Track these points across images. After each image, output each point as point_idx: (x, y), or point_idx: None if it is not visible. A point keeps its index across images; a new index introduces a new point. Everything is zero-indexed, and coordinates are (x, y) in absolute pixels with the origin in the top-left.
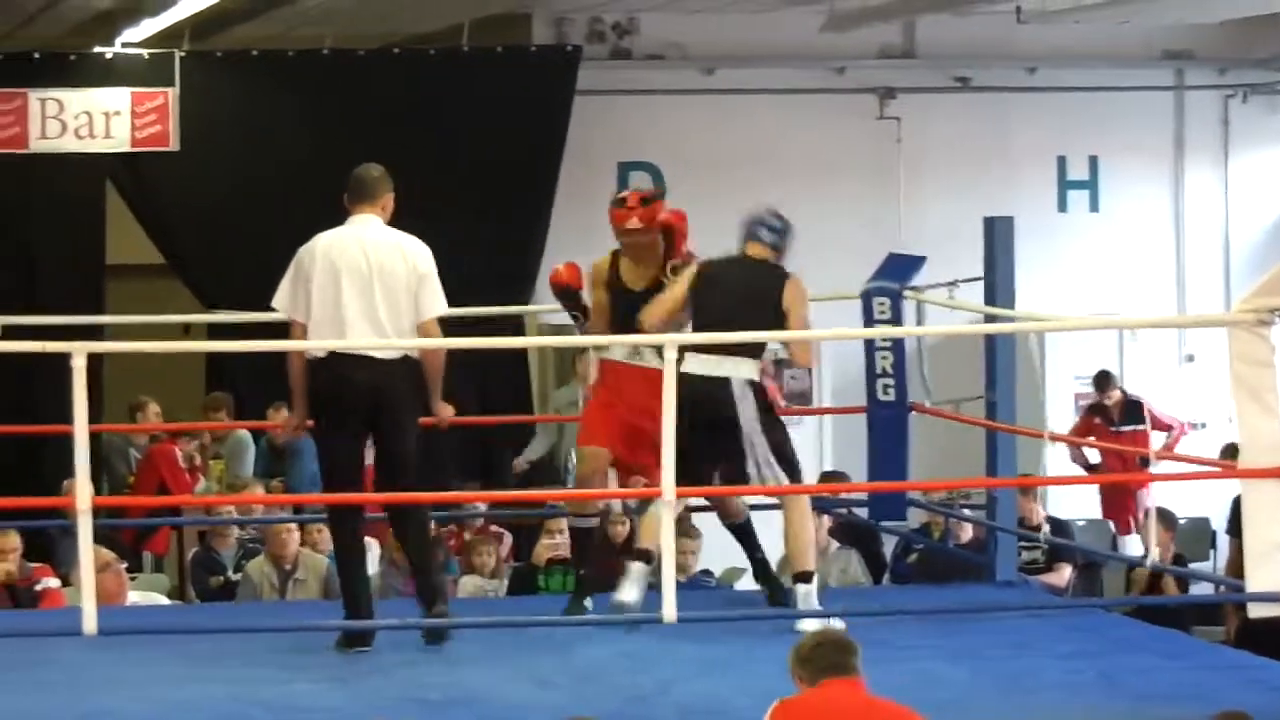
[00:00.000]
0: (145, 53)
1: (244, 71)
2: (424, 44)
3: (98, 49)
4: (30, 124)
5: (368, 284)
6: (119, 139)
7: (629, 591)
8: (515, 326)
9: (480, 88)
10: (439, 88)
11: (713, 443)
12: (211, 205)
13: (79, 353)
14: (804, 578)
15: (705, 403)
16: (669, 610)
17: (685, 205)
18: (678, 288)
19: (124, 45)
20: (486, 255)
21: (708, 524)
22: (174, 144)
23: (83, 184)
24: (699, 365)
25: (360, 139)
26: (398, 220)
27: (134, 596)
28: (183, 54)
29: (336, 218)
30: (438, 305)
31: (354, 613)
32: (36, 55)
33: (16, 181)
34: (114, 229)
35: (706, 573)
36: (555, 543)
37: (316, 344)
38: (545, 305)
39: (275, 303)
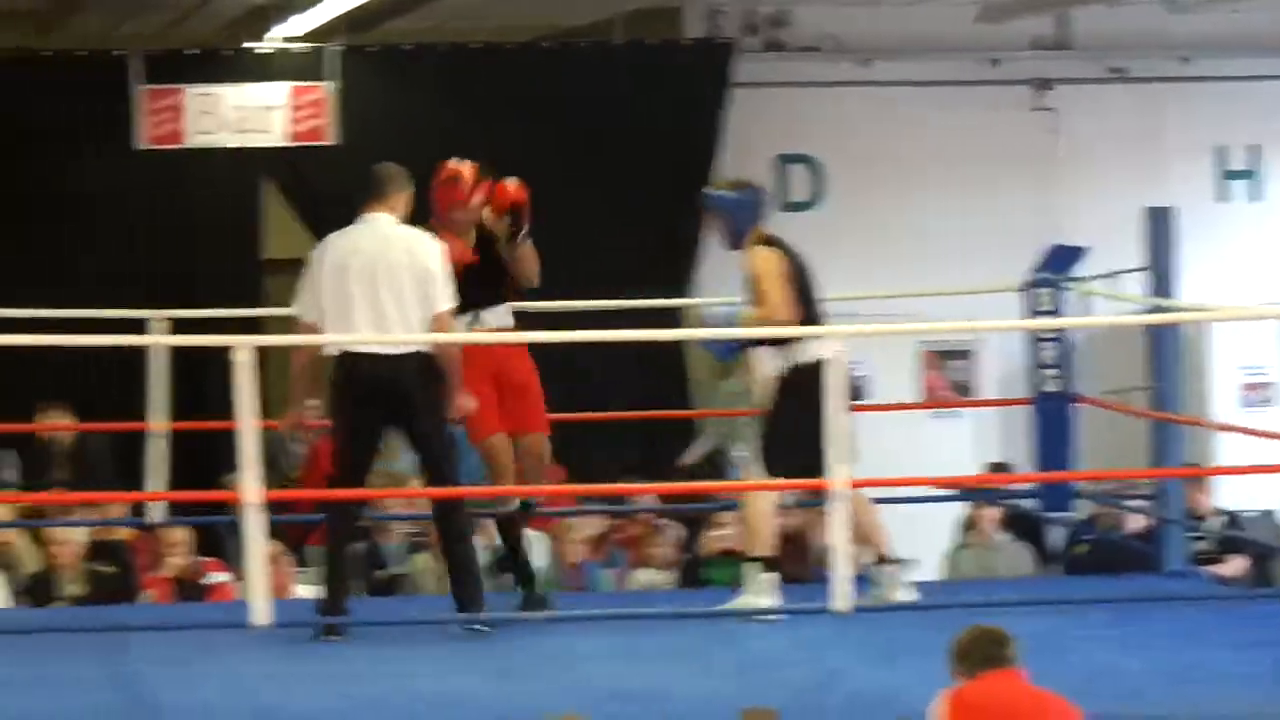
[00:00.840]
0: (302, 48)
1: (399, 66)
2: (575, 38)
3: (253, 45)
4: (187, 120)
5: (373, 281)
6: (276, 134)
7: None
8: (674, 320)
9: (634, 82)
10: (592, 82)
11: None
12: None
13: (243, 347)
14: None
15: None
16: (840, 600)
17: (845, 197)
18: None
19: (281, 40)
20: (643, 251)
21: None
22: (331, 138)
23: (239, 179)
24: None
25: (513, 134)
26: (552, 213)
27: (300, 591)
28: (339, 49)
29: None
30: (446, 298)
31: (331, 605)
32: (192, 52)
33: (173, 178)
34: (271, 224)
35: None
36: (722, 534)
37: (374, 338)
38: (704, 299)
39: (293, 309)
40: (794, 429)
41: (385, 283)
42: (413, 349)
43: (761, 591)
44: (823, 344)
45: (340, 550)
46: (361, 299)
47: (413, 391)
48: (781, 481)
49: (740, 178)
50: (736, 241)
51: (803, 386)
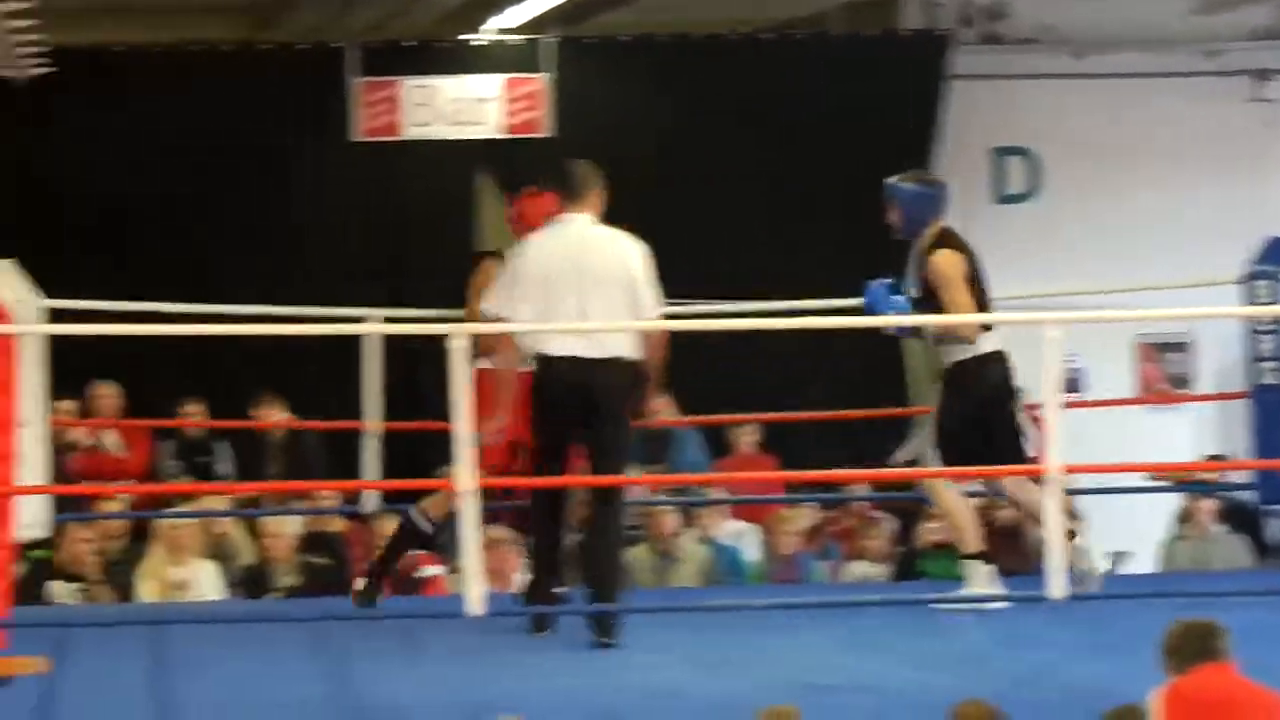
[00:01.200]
0: (517, 39)
1: (615, 58)
2: (790, 30)
3: (469, 36)
4: (403, 111)
5: (579, 286)
6: (492, 125)
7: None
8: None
9: (849, 74)
10: (807, 74)
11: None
12: None
13: (459, 335)
14: None
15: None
16: (1056, 588)
17: (1061, 190)
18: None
19: (496, 32)
20: (857, 246)
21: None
22: (547, 130)
23: (455, 171)
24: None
25: (728, 127)
26: (765, 207)
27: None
28: (555, 40)
29: (702, 204)
30: (655, 302)
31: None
32: (410, 44)
33: (389, 169)
34: (486, 215)
35: None
36: (936, 527)
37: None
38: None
39: (489, 309)
40: (961, 425)
41: (591, 288)
42: (615, 354)
43: (983, 585)
44: (993, 338)
45: (542, 544)
46: (566, 304)
47: (610, 399)
48: (1005, 468)
49: (924, 173)
50: (912, 233)
51: (970, 382)
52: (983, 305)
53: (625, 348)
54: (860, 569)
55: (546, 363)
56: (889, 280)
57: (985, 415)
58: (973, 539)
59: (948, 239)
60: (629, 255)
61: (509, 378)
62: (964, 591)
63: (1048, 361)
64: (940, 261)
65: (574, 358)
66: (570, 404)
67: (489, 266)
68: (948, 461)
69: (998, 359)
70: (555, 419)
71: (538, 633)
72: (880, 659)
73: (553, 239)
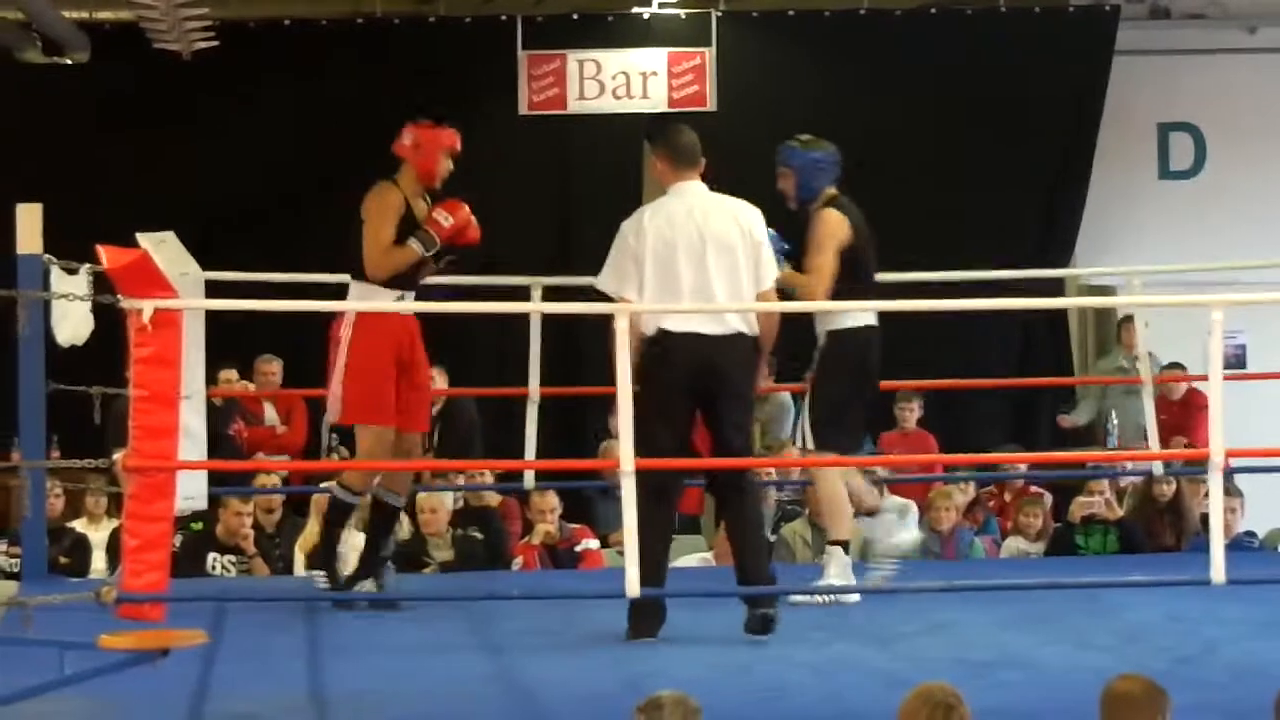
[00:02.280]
0: (682, 13)
1: (779, 32)
2: (959, 4)
3: (635, 9)
4: (569, 85)
5: (702, 256)
6: (656, 99)
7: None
8: (1054, 290)
9: (1017, 49)
10: (975, 49)
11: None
12: (747, 165)
13: (621, 313)
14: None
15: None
16: (1217, 572)
17: (1225, 166)
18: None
19: (660, 6)
20: (1024, 219)
21: (1251, 483)
22: (711, 104)
23: (620, 144)
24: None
25: (891, 102)
26: (928, 181)
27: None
28: (719, 14)
29: (865, 179)
30: (774, 272)
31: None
32: (575, 16)
33: (555, 142)
34: (651, 189)
35: (1249, 534)
36: (1091, 500)
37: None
38: (1086, 269)
39: (600, 283)
40: (836, 399)
41: (715, 257)
42: (737, 330)
43: (841, 573)
44: (868, 313)
45: (652, 525)
46: (688, 275)
47: (732, 377)
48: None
49: (816, 138)
50: (803, 201)
51: (842, 355)
52: (859, 278)
53: (747, 323)
54: (1018, 545)
55: (669, 340)
56: (777, 233)
57: (857, 388)
58: (844, 527)
59: (838, 204)
60: (753, 220)
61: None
62: (821, 582)
63: (1213, 344)
64: (823, 219)
65: (698, 334)
66: (693, 382)
67: None
68: (829, 435)
69: (869, 332)
70: (676, 396)
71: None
72: (1039, 636)
73: (674, 208)
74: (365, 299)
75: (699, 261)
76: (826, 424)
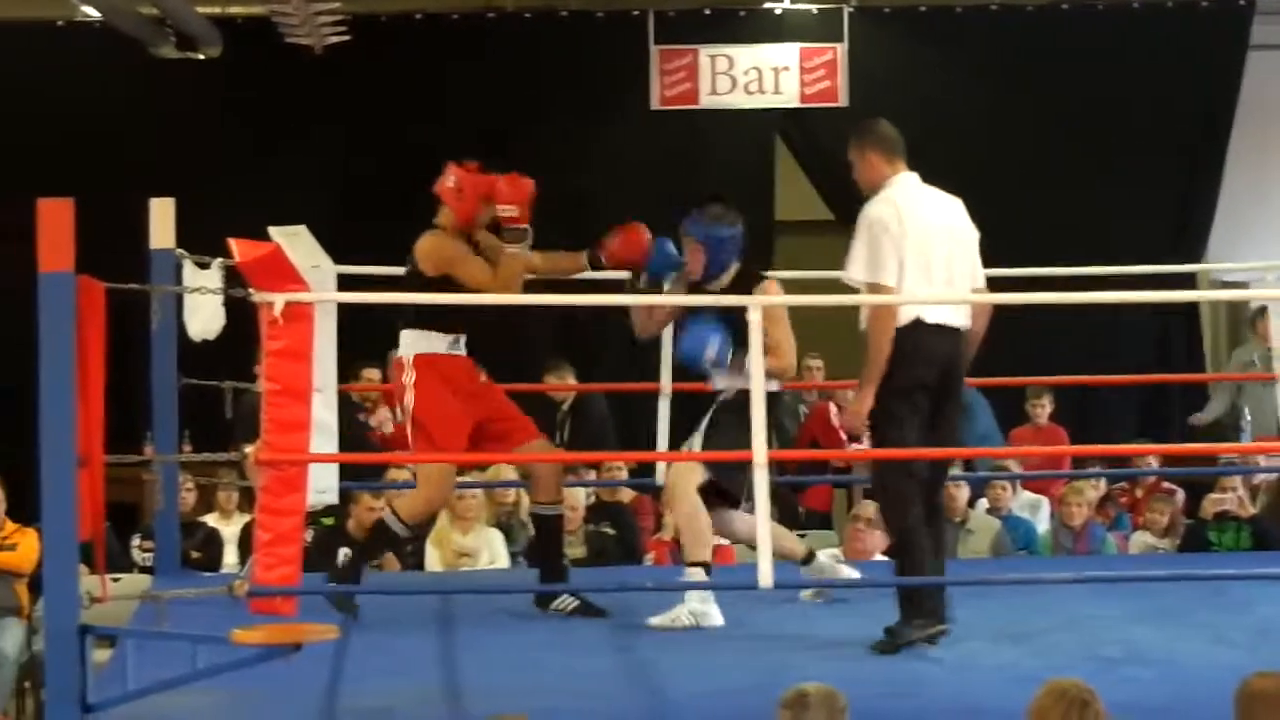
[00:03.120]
0: (814, 8)
1: (911, 27)
2: (1092, 0)
3: (767, 5)
4: (700, 80)
5: (950, 248)
6: (787, 95)
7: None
8: (1187, 286)
9: (1150, 44)
10: (1107, 43)
11: None
12: None
13: (755, 307)
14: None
15: None
16: None
17: None
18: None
19: (793, 1)
20: (1157, 215)
21: None
22: (843, 100)
23: (751, 140)
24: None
25: (1024, 96)
26: (1061, 178)
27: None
28: (851, 10)
29: (997, 175)
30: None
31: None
32: (707, 11)
33: (687, 137)
34: (781, 185)
35: None
36: (1223, 497)
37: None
38: (1218, 263)
39: (851, 274)
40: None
41: (957, 249)
42: (969, 327)
43: (700, 595)
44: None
45: (921, 547)
46: (941, 265)
47: (962, 372)
48: None
49: (726, 209)
50: (712, 276)
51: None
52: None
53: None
54: (1146, 540)
55: (923, 332)
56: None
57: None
58: (702, 549)
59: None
60: (968, 216)
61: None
62: (682, 605)
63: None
64: (771, 293)
65: (945, 326)
66: (937, 377)
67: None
68: (730, 470)
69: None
70: (922, 391)
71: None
72: (1171, 631)
73: (924, 197)
74: (419, 346)
75: (948, 252)
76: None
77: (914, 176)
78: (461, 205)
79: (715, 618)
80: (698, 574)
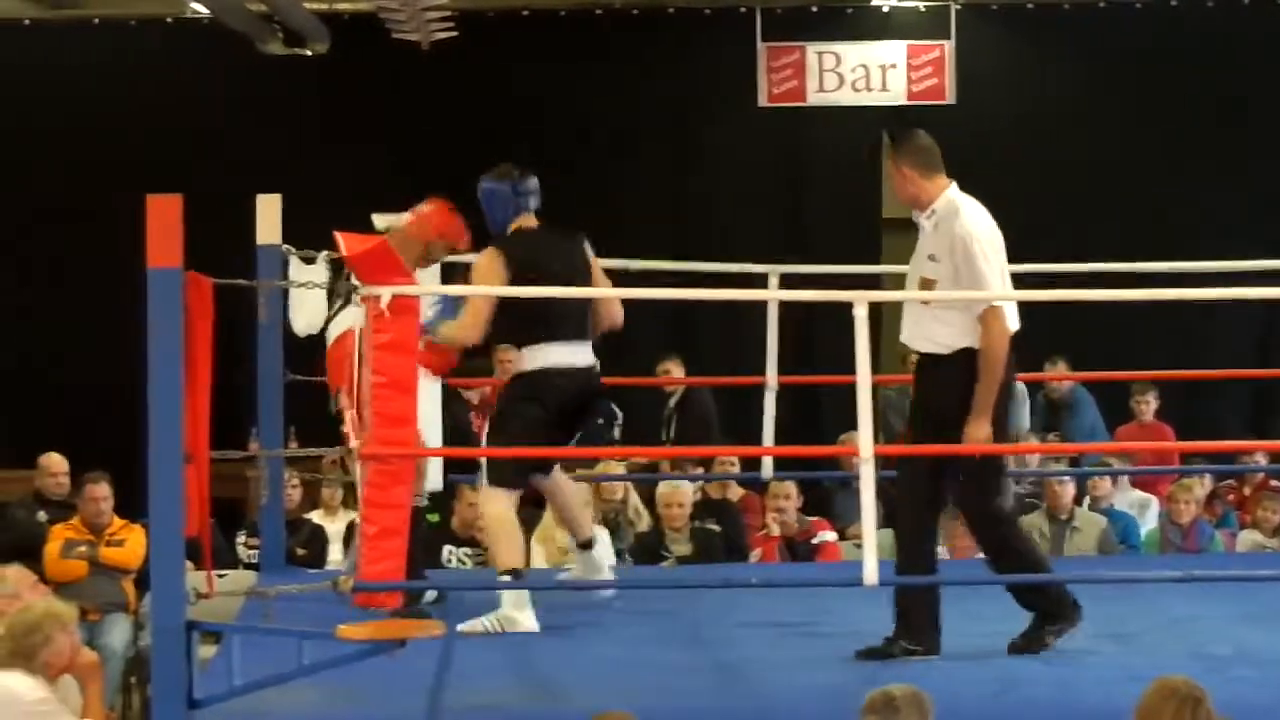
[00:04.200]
0: (921, 6)
1: (1019, 24)
2: None
3: (874, 2)
4: (808, 78)
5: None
6: (895, 92)
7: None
8: None
9: (1259, 41)
10: (1218, 40)
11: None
12: (985, 158)
13: (860, 302)
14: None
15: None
16: None
17: None
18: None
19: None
20: (1255, 211)
21: None
22: (950, 97)
23: (859, 137)
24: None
25: (1130, 92)
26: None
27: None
28: (958, 7)
29: (1103, 170)
30: None
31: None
32: (814, 9)
33: (794, 134)
34: (888, 183)
35: None
36: None
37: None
38: None
39: (992, 293)
40: (511, 438)
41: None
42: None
43: (515, 600)
44: (551, 354)
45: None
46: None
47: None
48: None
49: (508, 166)
50: (501, 230)
51: (519, 398)
52: (548, 318)
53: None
54: (1253, 538)
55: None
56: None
57: (532, 429)
58: (512, 554)
59: (512, 240)
60: None
61: None
62: (499, 611)
63: None
64: (478, 262)
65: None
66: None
67: None
68: (502, 471)
69: (557, 376)
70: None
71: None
72: (1278, 632)
73: (978, 206)
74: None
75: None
76: (501, 461)
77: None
78: (419, 231)
79: (527, 624)
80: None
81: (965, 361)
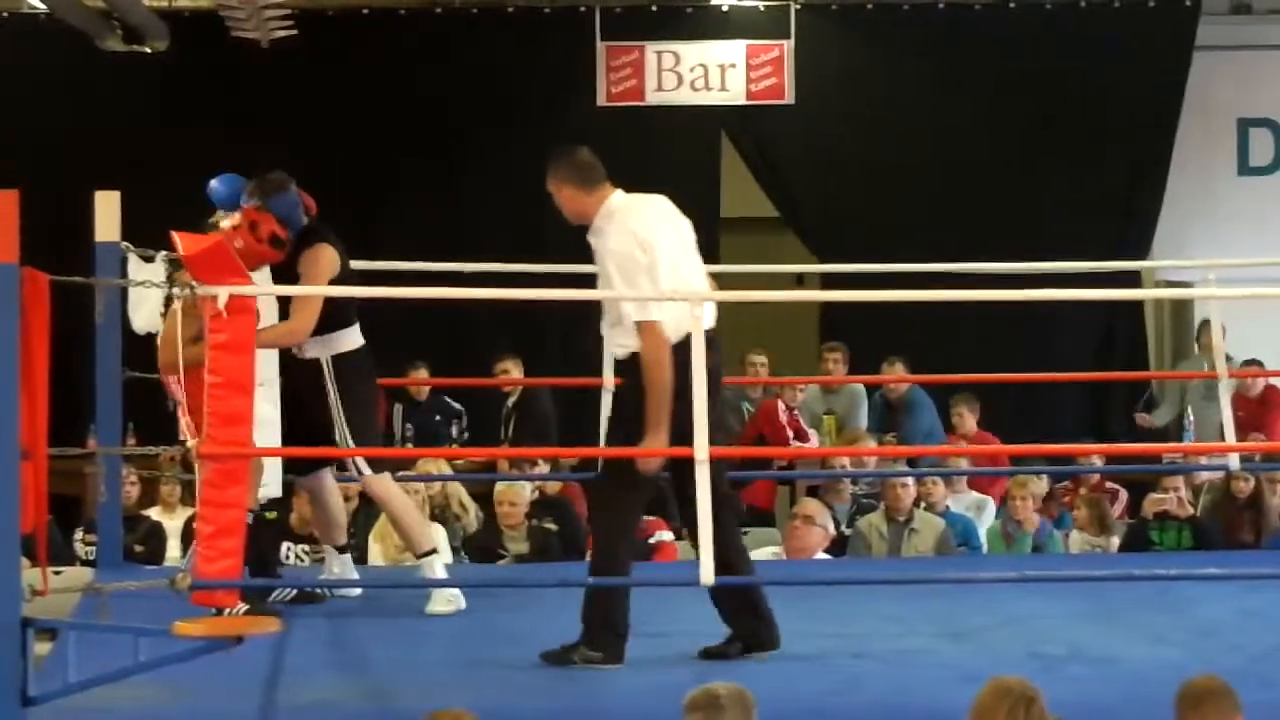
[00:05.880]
0: (761, 5)
1: (858, 25)
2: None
3: (714, 1)
4: (647, 77)
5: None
6: (734, 92)
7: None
8: (1131, 285)
9: (1097, 43)
10: (1054, 43)
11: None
12: (825, 158)
13: (697, 301)
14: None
15: None
16: None
17: None
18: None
19: None
20: (1101, 212)
21: None
22: (789, 97)
23: (698, 137)
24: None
25: (971, 94)
26: (1007, 176)
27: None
28: (798, 7)
29: (941, 171)
30: None
31: None
32: (654, 8)
33: (633, 134)
34: (726, 182)
35: None
36: (1164, 498)
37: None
38: (1162, 261)
39: (628, 309)
40: (364, 421)
41: (696, 259)
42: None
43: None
44: (353, 336)
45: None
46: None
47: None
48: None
49: (279, 175)
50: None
51: (356, 373)
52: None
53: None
54: (1084, 539)
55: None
56: None
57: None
58: (423, 539)
59: (324, 237)
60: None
61: None
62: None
63: None
64: (308, 262)
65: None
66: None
67: None
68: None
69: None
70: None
71: None
72: (1113, 631)
73: (655, 212)
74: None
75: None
76: (370, 445)
77: (620, 192)
78: None
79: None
80: (433, 562)
81: (640, 367)
